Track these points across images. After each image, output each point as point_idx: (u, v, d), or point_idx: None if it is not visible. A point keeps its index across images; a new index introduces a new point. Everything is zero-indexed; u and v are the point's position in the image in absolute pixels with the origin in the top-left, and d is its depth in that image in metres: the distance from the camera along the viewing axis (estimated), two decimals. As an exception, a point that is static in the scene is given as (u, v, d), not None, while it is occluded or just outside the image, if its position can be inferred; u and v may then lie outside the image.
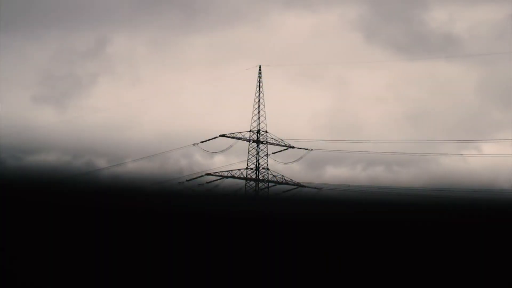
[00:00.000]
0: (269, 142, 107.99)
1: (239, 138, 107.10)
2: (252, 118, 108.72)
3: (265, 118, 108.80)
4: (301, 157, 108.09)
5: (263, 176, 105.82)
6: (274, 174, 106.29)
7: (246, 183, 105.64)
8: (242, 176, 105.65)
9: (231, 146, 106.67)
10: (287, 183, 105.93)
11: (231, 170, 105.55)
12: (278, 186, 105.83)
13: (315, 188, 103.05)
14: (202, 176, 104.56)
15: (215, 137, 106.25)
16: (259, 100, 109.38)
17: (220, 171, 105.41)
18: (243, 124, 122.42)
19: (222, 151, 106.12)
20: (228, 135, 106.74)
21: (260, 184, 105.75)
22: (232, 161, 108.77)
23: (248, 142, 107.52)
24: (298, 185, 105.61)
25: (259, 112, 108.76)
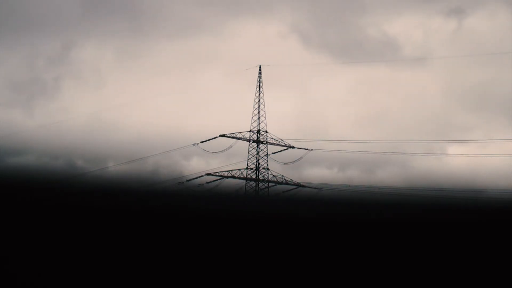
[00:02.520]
0: (269, 142, 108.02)
1: (239, 138, 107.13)
2: (252, 118, 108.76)
3: (265, 118, 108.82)
4: (301, 157, 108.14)
5: (263, 176, 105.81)
6: (274, 174, 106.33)
7: (246, 183, 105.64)
8: (242, 176, 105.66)
9: (231, 146, 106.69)
10: (287, 183, 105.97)
11: (231, 170, 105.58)
12: (278, 186, 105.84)
13: (315, 188, 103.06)
14: (202, 176, 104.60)
15: (215, 137, 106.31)
16: (259, 100, 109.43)
17: (220, 171, 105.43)
18: (227, 126, 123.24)
19: (222, 151, 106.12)
20: (228, 135, 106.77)
21: (260, 184, 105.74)
22: (232, 161, 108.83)
23: (248, 142, 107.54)
24: (298, 185, 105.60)
25: (259, 112, 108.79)
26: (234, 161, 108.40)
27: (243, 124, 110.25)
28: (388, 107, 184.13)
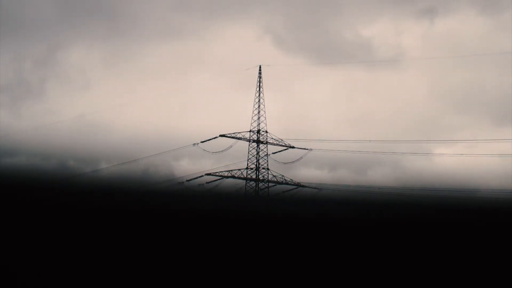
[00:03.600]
0: (269, 142, 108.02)
1: (239, 138, 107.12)
2: (252, 118, 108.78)
3: (265, 118, 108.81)
4: (301, 157, 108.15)
5: (263, 176, 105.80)
6: (274, 174, 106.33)
7: (246, 183, 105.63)
8: (242, 176, 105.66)
9: (231, 146, 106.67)
10: (287, 183, 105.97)
11: (231, 170, 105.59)
12: (278, 186, 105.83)
13: (315, 188, 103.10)
14: (202, 176, 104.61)
15: (215, 137, 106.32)
16: (259, 100, 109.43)
17: (220, 171, 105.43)
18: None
19: (222, 151, 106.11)
20: (228, 135, 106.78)
21: (260, 184, 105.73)
22: (232, 161, 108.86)
23: (248, 142, 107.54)
24: (298, 185, 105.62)
25: (259, 112, 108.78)
26: (234, 161, 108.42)
27: (243, 124, 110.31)
28: (374, 108, 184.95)
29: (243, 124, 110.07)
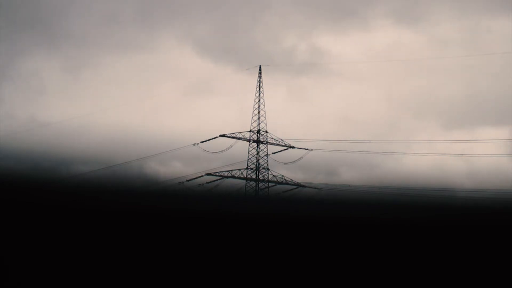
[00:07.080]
0: (269, 142, 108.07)
1: (239, 138, 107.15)
2: (252, 118, 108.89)
3: (265, 118, 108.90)
4: (301, 157, 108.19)
5: (263, 176, 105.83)
6: (274, 174, 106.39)
7: (246, 183, 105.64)
8: (242, 176, 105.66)
9: (231, 146, 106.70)
10: (287, 183, 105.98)
11: (231, 170, 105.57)
12: (278, 186, 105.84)
13: (315, 188, 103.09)
14: (202, 176, 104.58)
15: (215, 137, 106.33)
16: (259, 100, 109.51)
17: (220, 171, 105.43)
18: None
19: (222, 151, 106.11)
20: (228, 135, 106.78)
21: (260, 184, 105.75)
22: (232, 161, 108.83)
23: (248, 142, 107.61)
24: (298, 185, 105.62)
25: (259, 112, 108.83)
26: (234, 161, 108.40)
27: (237, 125, 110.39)
28: (323, 112, 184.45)
29: (245, 124, 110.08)
